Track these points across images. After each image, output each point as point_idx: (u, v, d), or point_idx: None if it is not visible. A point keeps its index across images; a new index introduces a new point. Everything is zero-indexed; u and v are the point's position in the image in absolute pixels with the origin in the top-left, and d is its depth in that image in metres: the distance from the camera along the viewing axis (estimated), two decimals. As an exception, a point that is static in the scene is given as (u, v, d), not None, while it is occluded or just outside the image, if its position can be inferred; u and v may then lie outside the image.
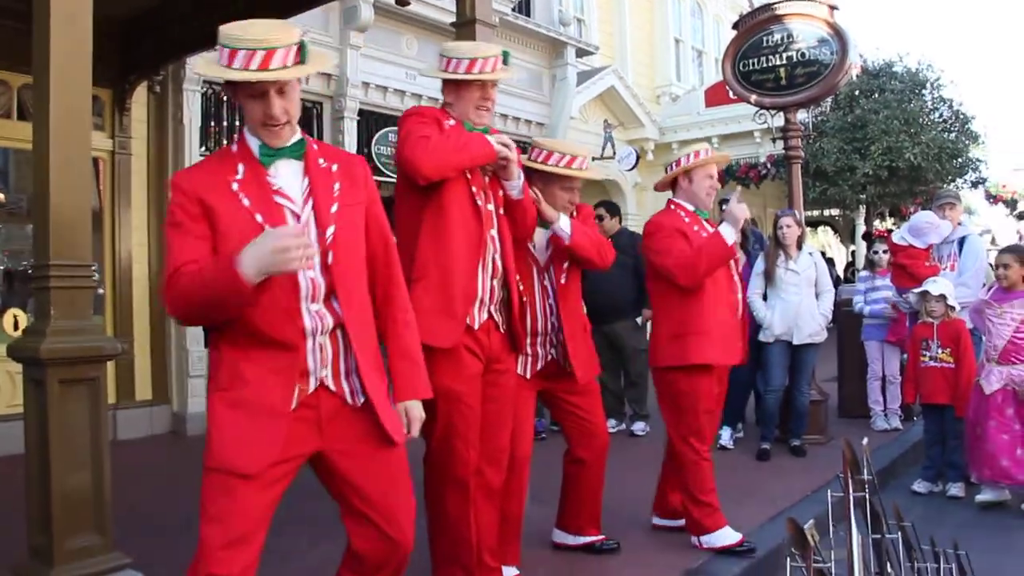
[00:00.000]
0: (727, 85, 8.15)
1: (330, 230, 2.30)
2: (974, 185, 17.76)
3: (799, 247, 6.40)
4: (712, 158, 4.30)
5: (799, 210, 6.98)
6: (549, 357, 3.85)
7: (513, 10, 11.89)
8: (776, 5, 7.81)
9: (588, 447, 3.94)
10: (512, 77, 3.39)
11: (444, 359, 3.04)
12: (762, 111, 7.72)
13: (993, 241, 21.29)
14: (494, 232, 3.24)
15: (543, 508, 4.38)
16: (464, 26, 4.72)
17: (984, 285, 6.05)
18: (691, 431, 4.11)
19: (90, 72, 3.29)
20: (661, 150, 15.14)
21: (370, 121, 9.97)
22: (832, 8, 7.49)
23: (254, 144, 2.31)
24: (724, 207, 7.24)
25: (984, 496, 5.22)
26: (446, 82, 3.28)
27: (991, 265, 5.88)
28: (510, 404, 3.38)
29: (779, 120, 7.63)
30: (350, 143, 9.44)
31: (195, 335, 7.79)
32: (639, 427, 7.17)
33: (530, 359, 3.83)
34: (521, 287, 3.75)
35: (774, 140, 7.98)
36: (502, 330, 3.31)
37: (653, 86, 16.43)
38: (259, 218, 2.22)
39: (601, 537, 4.11)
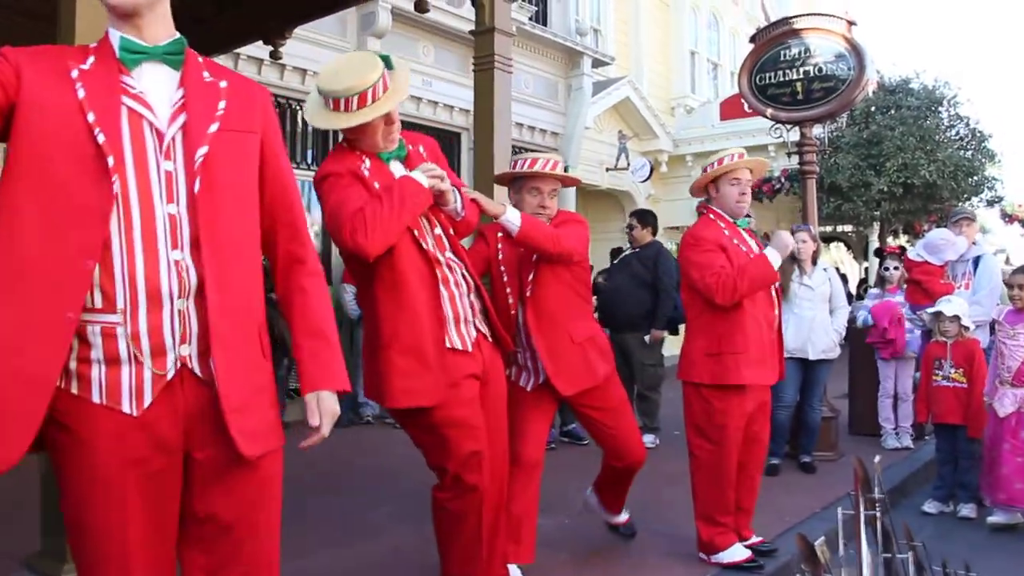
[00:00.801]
0: (743, 98, 8.14)
1: (201, 150, 1.77)
2: (990, 204, 17.68)
3: (814, 263, 6.38)
4: (737, 163, 4.10)
5: (814, 225, 6.96)
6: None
7: (530, 19, 11.94)
8: (794, 19, 7.81)
9: (620, 460, 3.95)
10: (403, 97, 2.90)
11: None
12: (778, 125, 7.71)
13: (1007, 261, 21.18)
14: (450, 254, 3.12)
15: (551, 518, 4.37)
16: (483, 35, 4.74)
17: (998, 304, 6.02)
18: (721, 449, 4.00)
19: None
20: (675, 162, 15.16)
21: (386, 127, 9.94)
22: (850, 24, 7.48)
23: (115, 38, 1.80)
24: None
25: (996, 518, 5.18)
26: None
27: (1006, 285, 5.85)
28: (504, 410, 3.33)
29: (795, 134, 7.62)
30: (365, 148, 9.45)
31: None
32: (649, 439, 7.14)
33: (532, 374, 3.82)
34: (511, 300, 3.75)
35: (789, 155, 7.97)
36: (490, 339, 3.26)
37: (668, 98, 16.44)
38: (91, 117, 1.68)
39: (625, 519, 4.42)
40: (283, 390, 7.47)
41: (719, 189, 4.12)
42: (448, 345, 3.03)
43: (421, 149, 3.15)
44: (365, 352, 3.13)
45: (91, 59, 1.77)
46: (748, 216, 4.15)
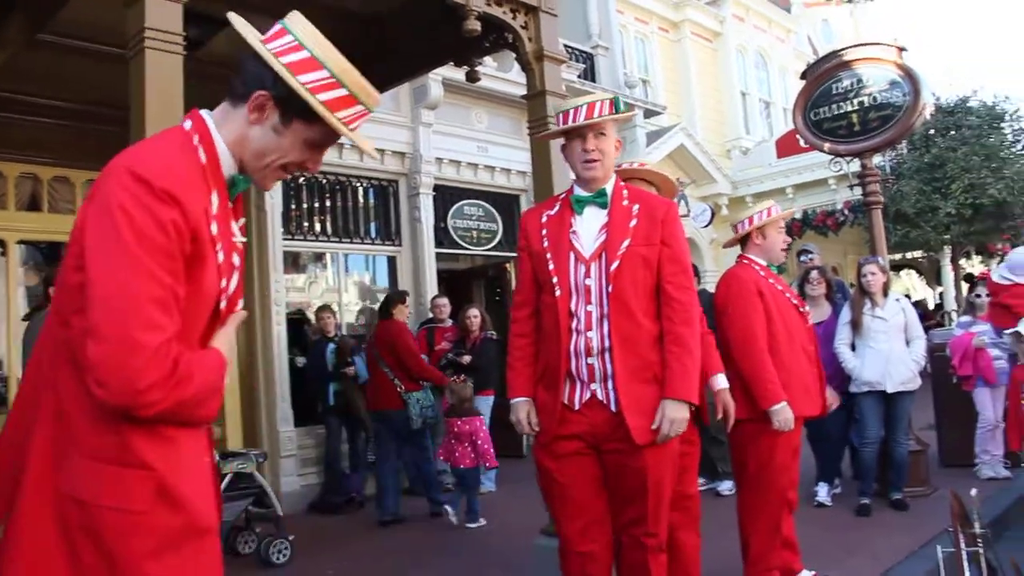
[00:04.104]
0: (799, 135, 8.11)
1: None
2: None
3: (885, 294, 6.25)
4: (784, 214, 4.38)
5: (883, 256, 6.84)
6: None
7: (579, 77, 12.09)
8: (843, 51, 7.79)
9: None
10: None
11: None
12: (837, 158, 7.65)
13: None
14: None
15: None
16: (535, 98, 4.82)
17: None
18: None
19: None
20: (735, 204, 15.08)
21: (445, 195, 10.18)
22: (900, 50, 7.43)
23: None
24: (803, 258, 7.17)
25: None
26: None
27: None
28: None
29: (855, 166, 7.54)
30: (427, 218, 9.66)
31: (285, 416, 7.93)
32: (727, 486, 6.95)
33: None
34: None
35: (851, 187, 7.89)
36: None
37: (723, 141, 16.44)
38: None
39: None
40: (364, 463, 7.53)
41: (766, 236, 4.27)
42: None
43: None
44: None
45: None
46: None
